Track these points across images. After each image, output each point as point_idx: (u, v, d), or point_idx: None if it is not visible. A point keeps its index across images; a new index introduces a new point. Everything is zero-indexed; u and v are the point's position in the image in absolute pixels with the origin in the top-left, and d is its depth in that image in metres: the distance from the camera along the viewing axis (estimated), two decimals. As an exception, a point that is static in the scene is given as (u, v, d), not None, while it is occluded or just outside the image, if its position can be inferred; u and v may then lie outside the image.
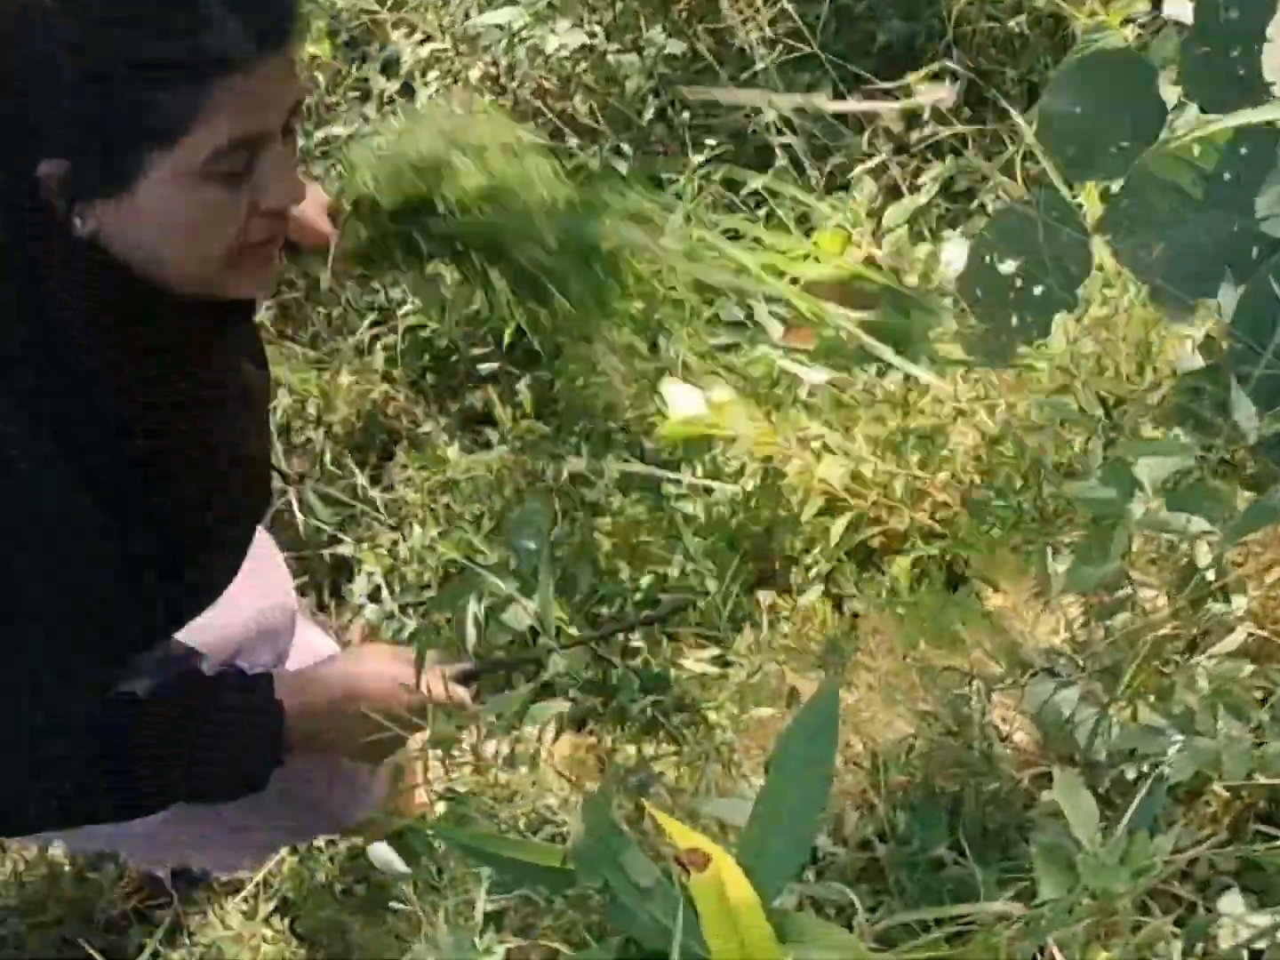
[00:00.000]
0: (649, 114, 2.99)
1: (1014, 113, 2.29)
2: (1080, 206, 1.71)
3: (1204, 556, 1.31)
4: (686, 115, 2.94)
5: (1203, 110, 1.92)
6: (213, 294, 1.46)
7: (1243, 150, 1.42)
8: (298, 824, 1.97)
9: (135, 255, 1.39)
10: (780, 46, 2.82)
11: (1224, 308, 1.33)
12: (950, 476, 2.15)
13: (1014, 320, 1.67)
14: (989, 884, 1.17)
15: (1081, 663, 1.34)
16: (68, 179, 1.33)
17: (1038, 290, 1.65)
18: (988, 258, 1.71)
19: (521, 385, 2.87)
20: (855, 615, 1.94)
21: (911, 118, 2.60)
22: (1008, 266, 1.69)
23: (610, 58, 2.95)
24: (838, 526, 2.10)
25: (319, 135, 3.20)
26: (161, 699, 1.60)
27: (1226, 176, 1.41)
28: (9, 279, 1.39)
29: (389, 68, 3.31)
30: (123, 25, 1.29)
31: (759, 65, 2.70)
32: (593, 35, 2.90)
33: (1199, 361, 2.02)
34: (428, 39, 3.29)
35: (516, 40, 2.88)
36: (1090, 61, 1.79)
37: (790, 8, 2.84)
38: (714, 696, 1.78)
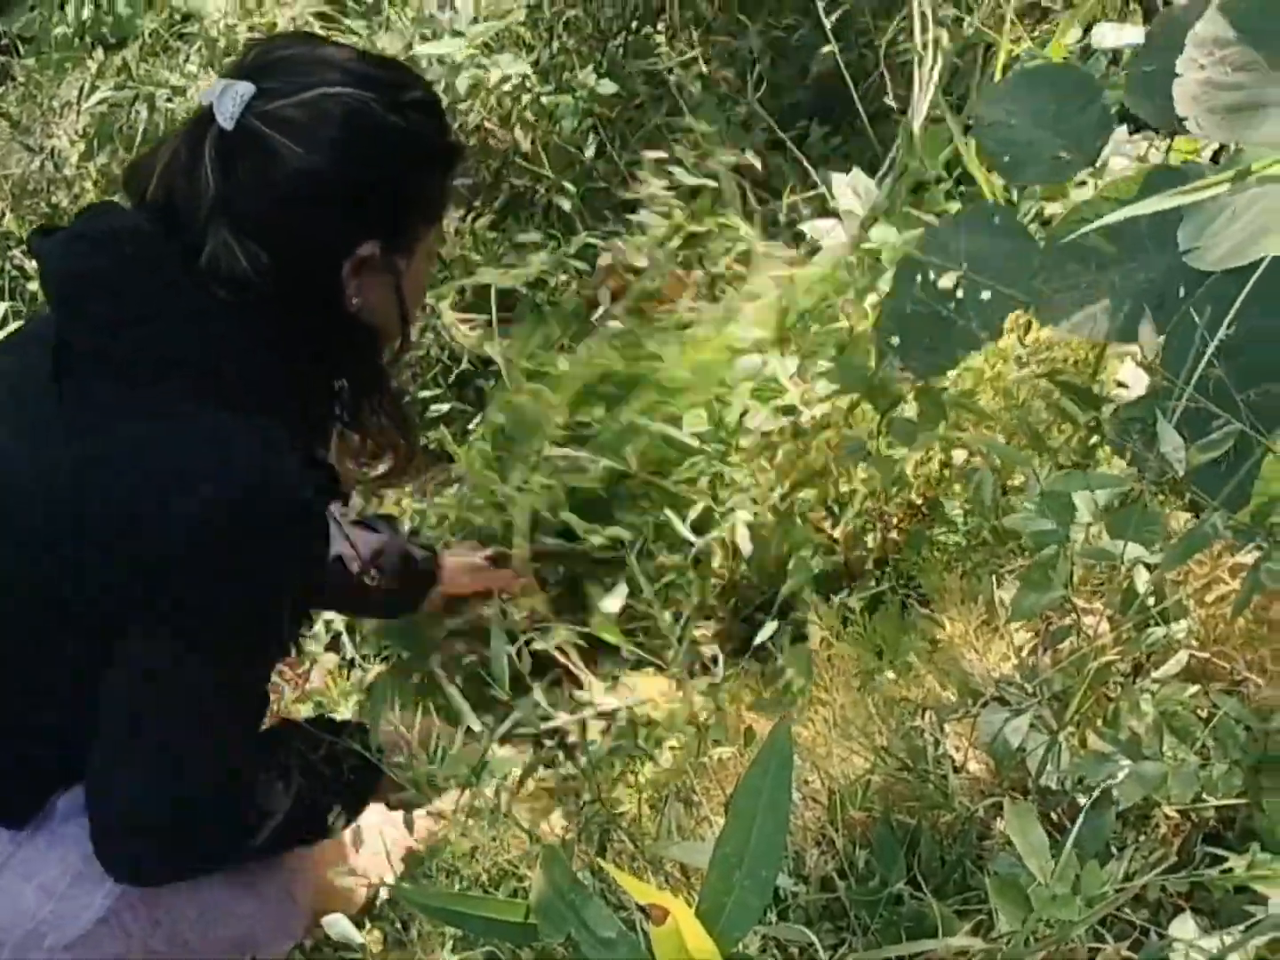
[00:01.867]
0: (589, 151, 3.02)
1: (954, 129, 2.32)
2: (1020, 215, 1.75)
3: (1143, 581, 1.33)
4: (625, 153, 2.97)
5: (1140, 127, 1.97)
6: None
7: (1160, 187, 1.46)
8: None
9: (391, 317, 1.67)
10: (714, 81, 2.86)
11: (1144, 344, 1.36)
12: (904, 503, 2.17)
13: (959, 324, 1.70)
14: (947, 918, 1.19)
15: (1031, 690, 1.36)
16: (374, 257, 1.58)
17: (984, 295, 1.68)
18: (920, 275, 1.75)
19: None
20: (809, 646, 1.96)
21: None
22: (947, 280, 1.73)
23: (545, 99, 2.97)
24: (795, 557, 2.12)
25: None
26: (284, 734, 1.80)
27: (1144, 223, 1.44)
28: (275, 348, 1.57)
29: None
30: (433, 122, 1.63)
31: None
32: (526, 77, 2.93)
33: (1144, 380, 2.06)
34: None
35: (459, 72, 2.90)
36: (1032, 73, 1.84)
37: (724, 41, 2.88)
38: (673, 736, 1.79)
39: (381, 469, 1.79)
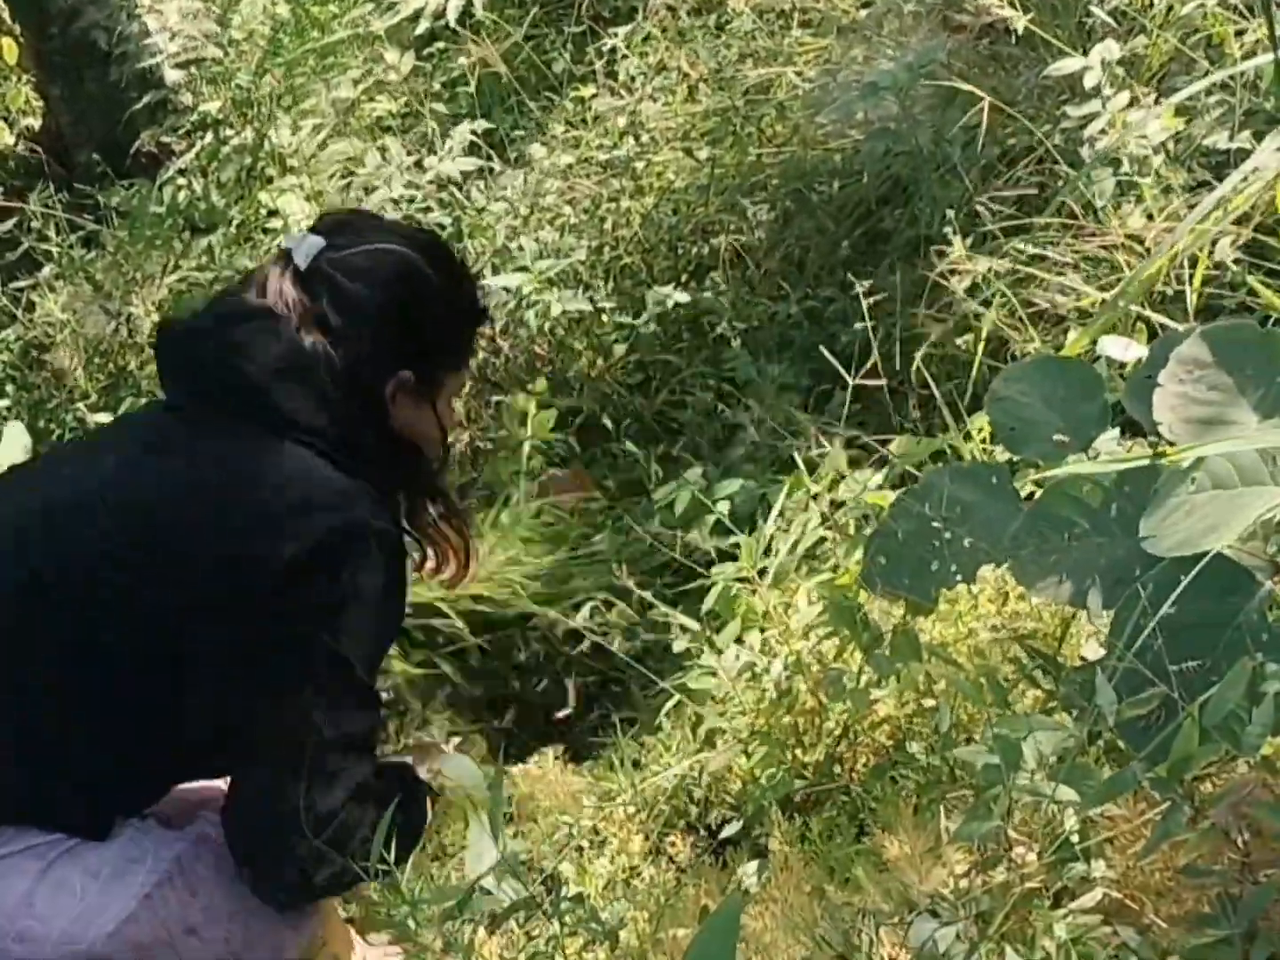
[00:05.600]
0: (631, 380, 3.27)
1: (949, 418, 2.55)
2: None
3: (1072, 822, 1.49)
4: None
5: (1130, 427, 2.17)
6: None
7: (1126, 487, 1.67)
8: None
9: (425, 438, 2.06)
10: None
11: (1094, 613, 1.55)
12: (873, 742, 2.34)
13: (934, 565, 1.89)
14: None
15: (961, 907, 1.51)
16: (409, 382, 1.97)
17: (966, 542, 1.87)
18: (915, 508, 1.93)
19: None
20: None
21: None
22: (935, 519, 1.91)
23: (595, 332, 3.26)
24: (766, 778, 2.28)
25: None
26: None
27: (1114, 507, 1.65)
28: (342, 450, 1.91)
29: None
30: (468, 282, 2.09)
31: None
32: (583, 313, 3.21)
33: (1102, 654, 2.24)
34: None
35: (525, 304, 3.17)
36: (1050, 361, 2.06)
37: (765, 303, 3.16)
38: (631, 913, 1.92)
39: (445, 574, 2.12)
